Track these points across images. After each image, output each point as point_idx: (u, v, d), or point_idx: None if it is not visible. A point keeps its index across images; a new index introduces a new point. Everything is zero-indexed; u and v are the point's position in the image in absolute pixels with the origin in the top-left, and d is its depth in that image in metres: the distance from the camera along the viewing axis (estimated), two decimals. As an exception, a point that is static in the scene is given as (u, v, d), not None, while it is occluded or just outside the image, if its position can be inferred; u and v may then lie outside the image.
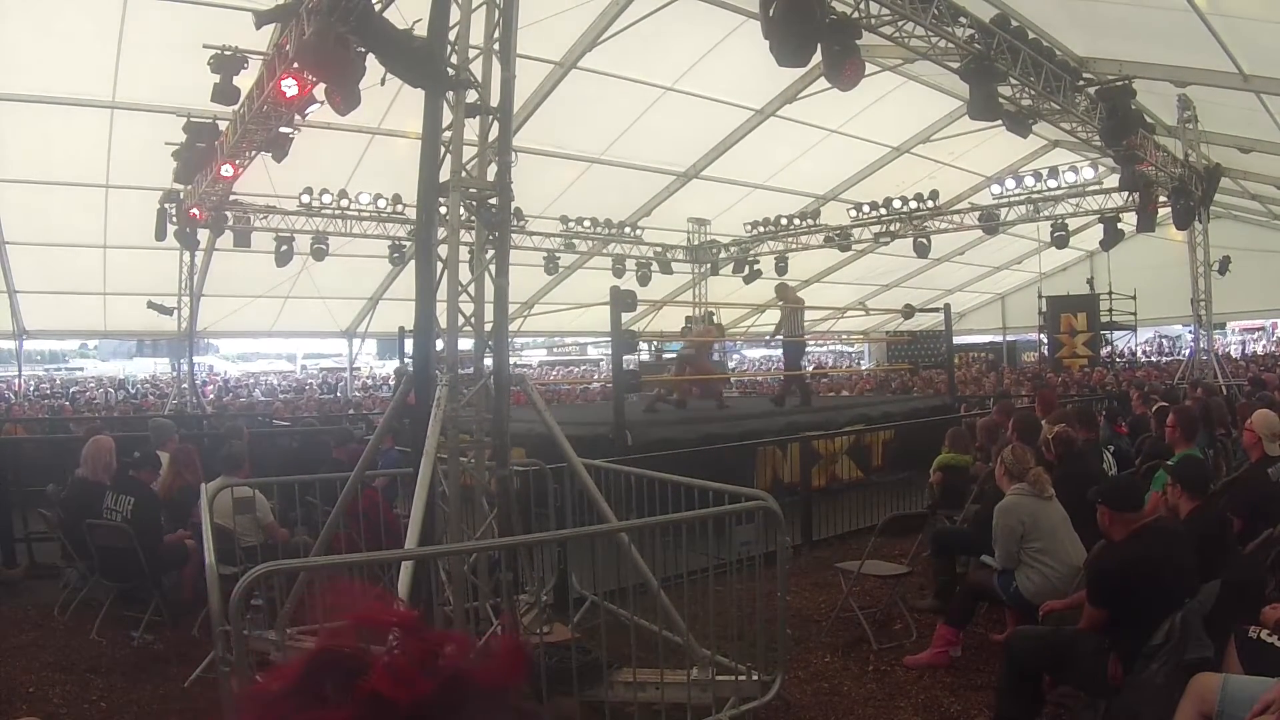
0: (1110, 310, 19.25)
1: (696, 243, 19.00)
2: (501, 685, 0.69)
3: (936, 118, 14.77)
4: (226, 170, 10.96)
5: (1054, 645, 3.26)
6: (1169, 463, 4.33)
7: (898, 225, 16.57)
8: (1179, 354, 21.53)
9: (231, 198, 12.90)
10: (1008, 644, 3.38)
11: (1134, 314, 19.43)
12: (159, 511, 5.20)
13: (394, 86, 5.44)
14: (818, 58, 6.66)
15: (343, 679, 0.66)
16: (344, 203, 14.17)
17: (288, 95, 8.25)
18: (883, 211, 16.30)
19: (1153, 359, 23.14)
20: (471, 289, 4.05)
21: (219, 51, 8.74)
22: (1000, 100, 8.43)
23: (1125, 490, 3.45)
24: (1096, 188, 14.56)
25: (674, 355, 12.51)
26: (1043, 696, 3.33)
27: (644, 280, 18.16)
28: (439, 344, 4.01)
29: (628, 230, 17.56)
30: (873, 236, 17.19)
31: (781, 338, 11.06)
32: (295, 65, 7.66)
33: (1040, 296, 20.18)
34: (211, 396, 19.24)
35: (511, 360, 4.92)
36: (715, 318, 18.39)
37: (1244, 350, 24.26)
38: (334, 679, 0.66)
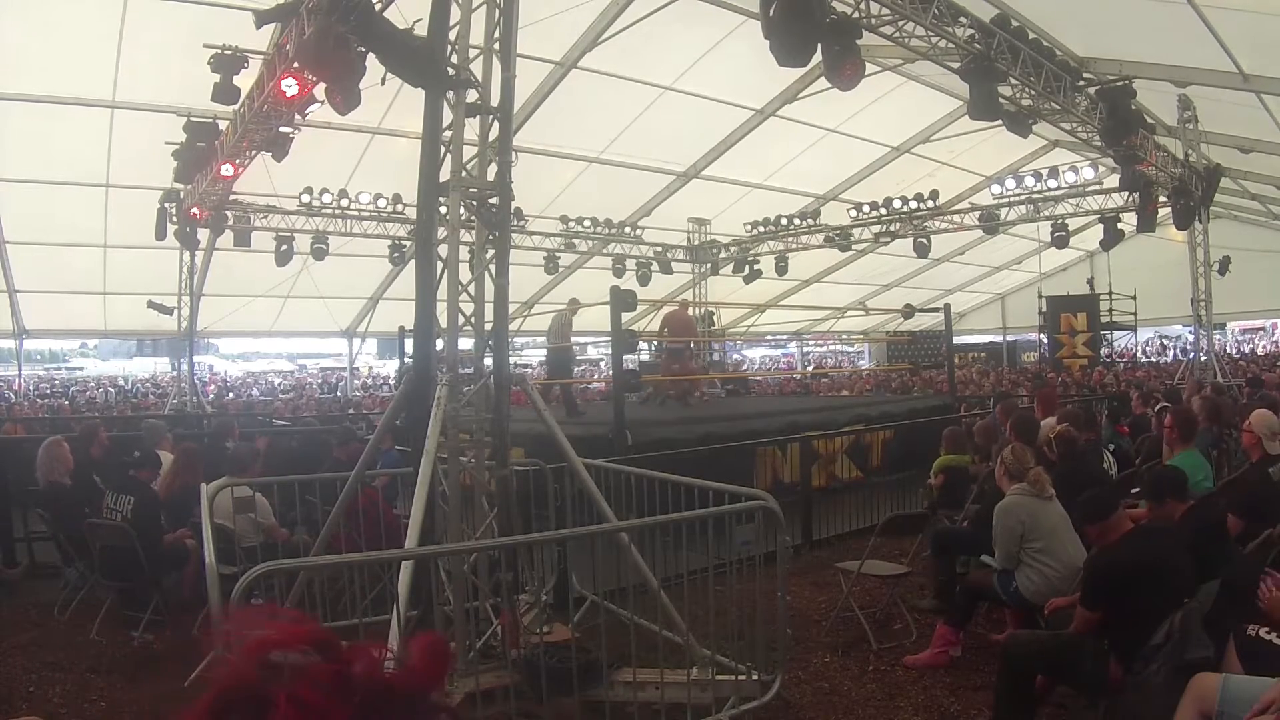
0: (1110, 310, 19.27)
1: (696, 243, 19.01)
2: (422, 690, 0.65)
3: (936, 118, 14.78)
4: (226, 170, 10.96)
5: (1052, 649, 3.25)
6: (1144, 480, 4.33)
7: (898, 225, 16.57)
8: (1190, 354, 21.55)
9: (231, 197, 12.91)
10: (1005, 649, 3.38)
11: (1134, 314, 19.45)
12: (159, 511, 5.20)
13: (394, 86, 5.44)
14: (818, 57, 6.66)
15: None
16: (344, 202, 14.18)
17: (288, 95, 8.25)
18: (883, 211, 16.30)
19: (1152, 359, 23.15)
20: (471, 289, 4.05)
21: (219, 51, 8.75)
22: (1000, 100, 8.43)
23: (1093, 502, 3.51)
24: (1096, 188, 14.56)
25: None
26: (1040, 699, 3.32)
27: (644, 280, 18.17)
28: (439, 344, 4.01)
29: (628, 230, 17.57)
30: (873, 236, 17.20)
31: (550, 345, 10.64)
32: (295, 65, 7.65)
33: (1040, 296, 20.19)
34: (211, 396, 19.25)
35: (511, 360, 4.92)
36: (715, 317, 18.41)
37: (1239, 349, 24.25)
38: None
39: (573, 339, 10.50)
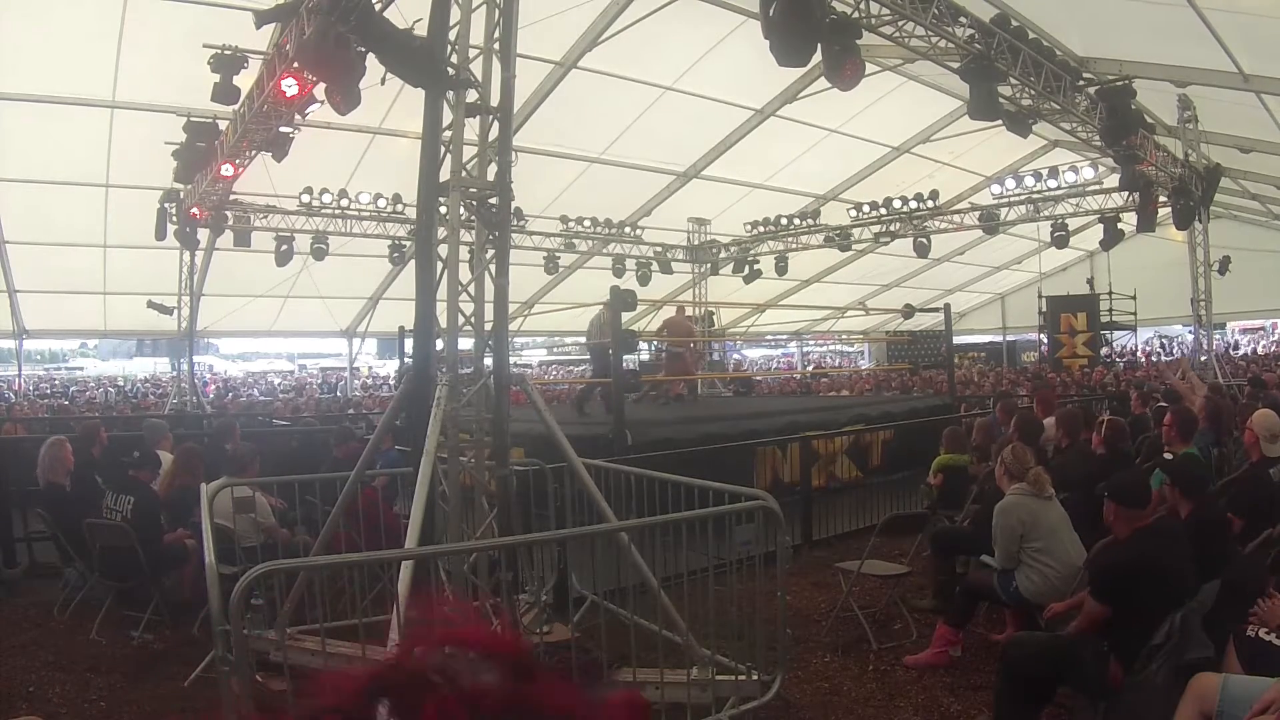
0: (1110, 310, 19.28)
1: (696, 243, 19.01)
2: None
3: (936, 118, 14.77)
4: (226, 170, 10.96)
5: (1052, 651, 3.24)
6: (1167, 456, 4.33)
7: (898, 225, 16.57)
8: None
9: (231, 197, 12.90)
10: (1005, 652, 3.36)
11: (1134, 314, 19.46)
12: (159, 511, 5.20)
13: (394, 86, 5.44)
14: (818, 57, 6.66)
15: (398, 713, 0.55)
16: (344, 202, 14.17)
17: (288, 95, 8.25)
18: (883, 211, 16.30)
19: (1153, 359, 23.15)
20: (471, 289, 4.05)
21: (219, 51, 8.74)
22: (1000, 100, 8.43)
23: (1133, 487, 3.41)
24: (1096, 188, 14.55)
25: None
26: (1041, 701, 3.31)
27: (644, 280, 18.17)
28: (439, 344, 4.01)
29: (628, 230, 17.57)
30: (873, 236, 17.19)
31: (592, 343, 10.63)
32: (295, 65, 7.65)
33: (1040, 296, 20.19)
34: (211, 396, 19.25)
35: (511, 360, 4.92)
36: (715, 317, 18.49)
37: (1237, 349, 24.25)
38: (389, 709, 0.55)
39: (571, 340, 10.51)
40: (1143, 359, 21.94)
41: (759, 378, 22.35)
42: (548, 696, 0.55)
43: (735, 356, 26.48)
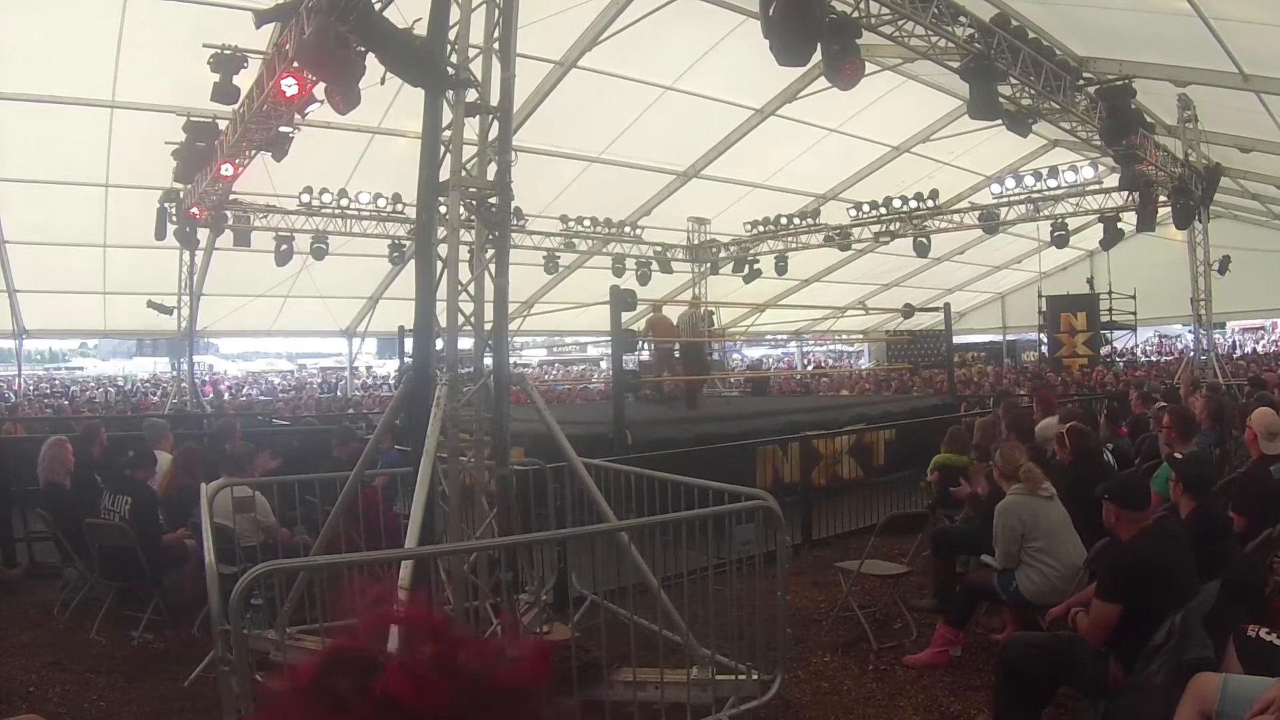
0: (1110, 310, 19.27)
1: (696, 242, 19.01)
2: (525, 688, 0.69)
3: (936, 117, 14.77)
4: (226, 169, 10.96)
5: (1052, 651, 3.24)
6: (1177, 456, 4.32)
7: (898, 225, 16.58)
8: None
9: (231, 197, 12.90)
10: (1004, 650, 3.36)
11: (1134, 314, 19.45)
12: (157, 511, 5.20)
13: (394, 86, 5.44)
14: (817, 57, 6.66)
15: (356, 681, 0.65)
16: (344, 202, 14.18)
17: (288, 94, 8.25)
18: (883, 211, 16.31)
19: (1152, 359, 23.15)
20: (471, 288, 4.04)
21: (219, 51, 8.75)
22: (1000, 100, 8.43)
23: (1133, 488, 3.42)
24: (1096, 187, 14.56)
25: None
26: (1041, 701, 3.31)
27: (644, 280, 18.17)
28: (439, 343, 4.01)
29: (628, 230, 17.57)
30: (873, 236, 17.20)
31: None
32: (295, 64, 7.65)
33: (1040, 296, 20.18)
34: (211, 395, 19.24)
35: (511, 359, 4.92)
36: (714, 317, 18.49)
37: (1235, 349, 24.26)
38: (347, 680, 0.65)
39: (571, 340, 10.69)
40: (1168, 356, 21.83)
41: (771, 376, 22.23)
42: (466, 653, 0.68)
43: (735, 356, 26.46)
